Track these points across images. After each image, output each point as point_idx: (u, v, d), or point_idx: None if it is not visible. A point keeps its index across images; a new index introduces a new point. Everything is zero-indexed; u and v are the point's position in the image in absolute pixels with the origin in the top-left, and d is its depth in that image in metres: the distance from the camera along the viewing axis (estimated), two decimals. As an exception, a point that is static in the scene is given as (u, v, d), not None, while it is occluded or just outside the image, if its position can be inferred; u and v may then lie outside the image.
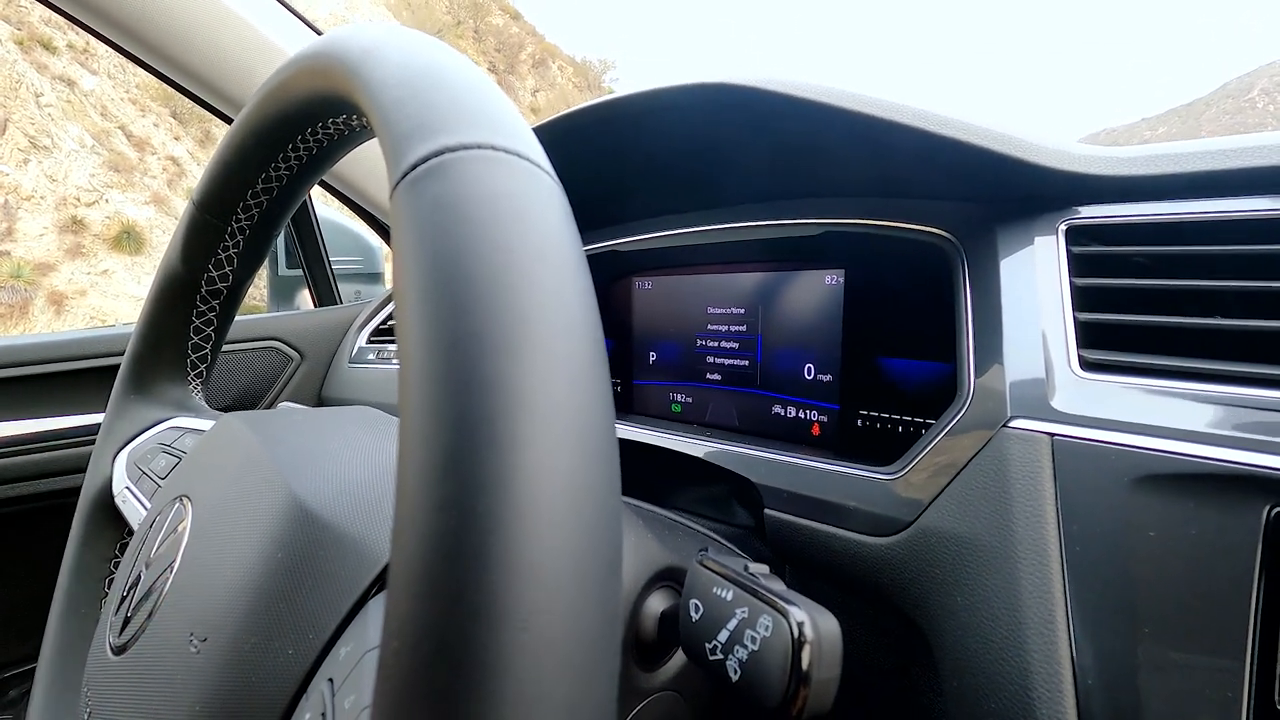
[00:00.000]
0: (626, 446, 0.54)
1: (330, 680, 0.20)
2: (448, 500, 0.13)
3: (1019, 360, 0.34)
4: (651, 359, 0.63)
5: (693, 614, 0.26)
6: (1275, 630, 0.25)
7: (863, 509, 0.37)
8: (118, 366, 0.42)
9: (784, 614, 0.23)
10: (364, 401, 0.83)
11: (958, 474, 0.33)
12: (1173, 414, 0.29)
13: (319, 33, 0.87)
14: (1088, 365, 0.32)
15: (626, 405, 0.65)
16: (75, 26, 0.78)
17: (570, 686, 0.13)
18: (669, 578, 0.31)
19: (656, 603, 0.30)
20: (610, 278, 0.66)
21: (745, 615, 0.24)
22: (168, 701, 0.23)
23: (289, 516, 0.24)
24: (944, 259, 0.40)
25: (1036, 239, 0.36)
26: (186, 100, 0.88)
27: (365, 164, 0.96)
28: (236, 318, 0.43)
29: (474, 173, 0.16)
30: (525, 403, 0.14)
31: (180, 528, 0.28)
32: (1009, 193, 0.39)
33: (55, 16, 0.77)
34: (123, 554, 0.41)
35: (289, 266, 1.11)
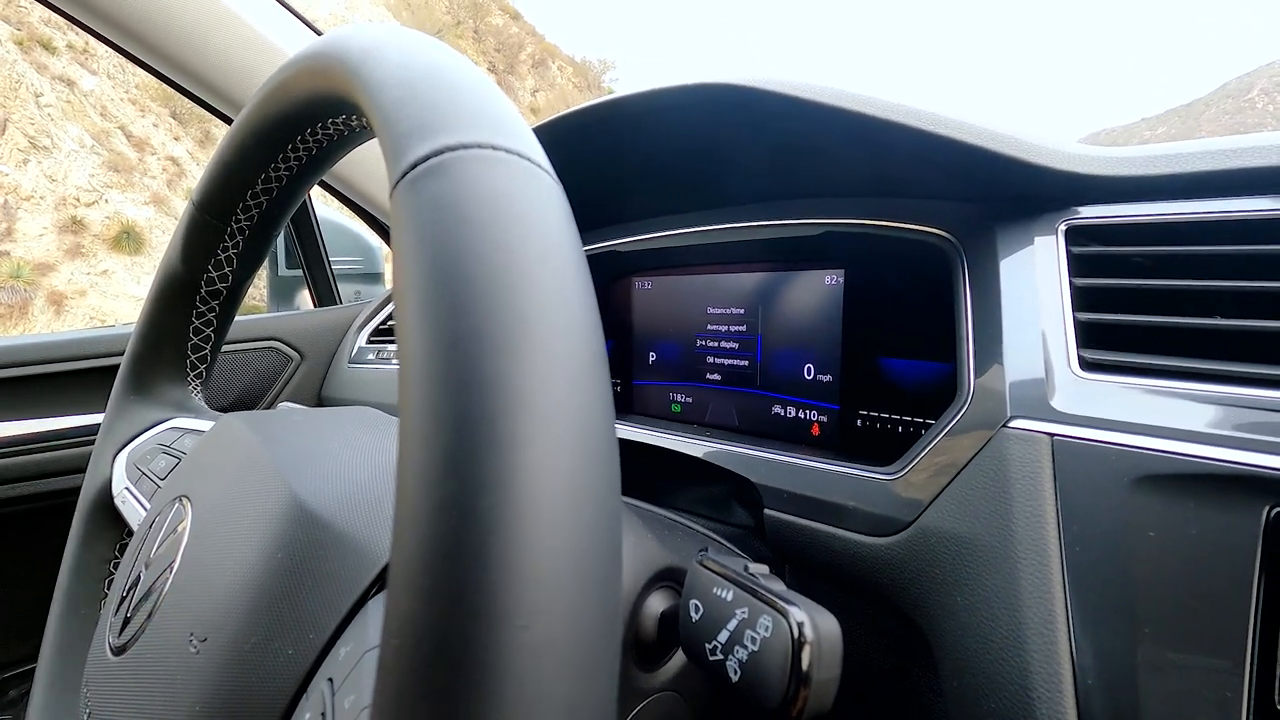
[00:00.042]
0: (626, 446, 0.54)
1: (330, 680, 0.20)
2: (448, 500, 0.13)
3: (1019, 360, 0.34)
4: (651, 359, 0.63)
5: (693, 614, 0.26)
6: (1275, 630, 0.25)
7: (862, 509, 0.37)
8: (118, 366, 0.42)
9: (784, 614, 0.23)
10: (364, 401, 0.83)
11: (957, 474, 0.33)
12: (1172, 414, 0.29)
13: (319, 33, 0.87)
14: (1087, 365, 0.32)
15: (626, 405, 0.65)
16: (75, 27, 0.78)
17: (570, 686, 0.13)
18: (669, 578, 0.31)
19: (656, 603, 0.30)
20: (610, 278, 0.66)
21: (745, 615, 0.24)
22: (167, 702, 0.22)
23: (289, 516, 0.24)
24: (943, 259, 0.40)
25: (1036, 239, 0.36)
26: (186, 100, 0.88)
27: (365, 164, 0.96)
28: (236, 318, 0.43)
29: (474, 172, 0.16)
30: (525, 402, 0.14)
31: (180, 528, 0.28)
32: (1008, 192, 0.39)
33: (55, 16, 0.77)
34: (122, 554, 0.41)
35: (289, 266, 1.11)
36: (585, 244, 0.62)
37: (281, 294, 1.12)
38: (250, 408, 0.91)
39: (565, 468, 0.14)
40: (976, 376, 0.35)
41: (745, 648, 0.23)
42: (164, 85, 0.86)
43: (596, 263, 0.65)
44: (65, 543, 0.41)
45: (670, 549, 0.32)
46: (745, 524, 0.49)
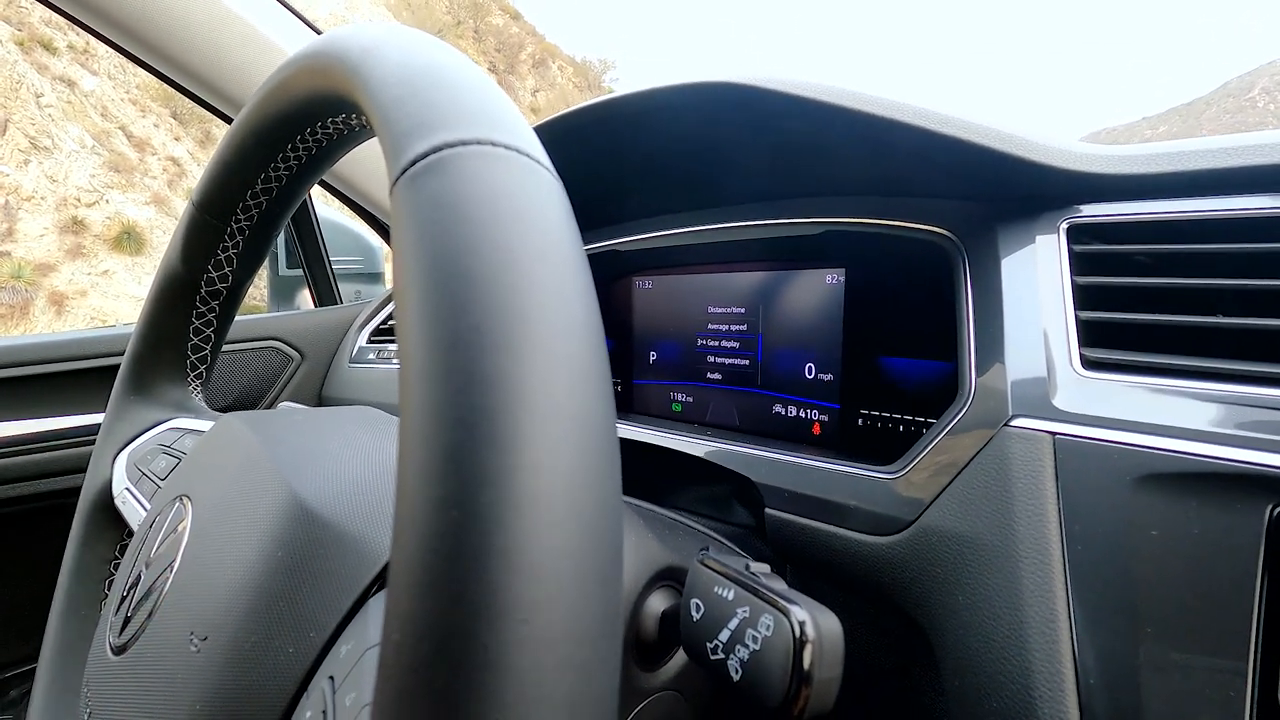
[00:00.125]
0: (627, 446, 0.54)
1: (331, 678, 0.20)
2: (449, 497, 0.13)
3: (1020, 359, 0.33)
4: (652, 358, 0.63)
5: (694, 613, 0.26)
6: (1278, 630, 0.25)
7: (864, 508, 0.37)
8: (118, 366, 0.42)
9: (785, 613, 0.23)
10: (364, 401, 0.83)
11: (959, 473, 0.33)
12: (1175, 413, 0.28)
13: (319, 33, 0.87)
14: (1089, 364, 0.32)
15: (627, 405, 0.65)
16: (75, 27, 0.78)
17: (572, 682, 0.13)
18: (670, 577, 0.31)
19: (657, 602, 0.30)
20: (610, 277, 0.66)
21: (746, 615, 0.24)
22: (168, 701, 0.22)
23: (289, 515, 0.24)
24: (945, 258, 0.40)
25: (1038, 237, 0.36)
26: (186, 100, 0.88)
27: (365, 164, 0.96)
28: (236, 318, 0.43)
29: (474, 168, 0.16)
30: (526, 399, 0.14)
31: (180, 527, 0.28)
32: (1010, 191, 0.39)
33: (55, 17, 0.77)
34: (122, 555, 0.41)
35: (289, 266, 1.11)
36: (586, 244, 0.62)
37: (282, 294, 1.12)
38: (250, 408, 0.91)
39: (566, 464, 0.14)
40: (978, 375, 0.35)
41: (746, 647, 0.23)
42: (164, 85, 0.86)
43: (597, 262, 0.64)
44: (65, 543, 0.41)
45: (671, 548, 0.32)
46: (746, 523, 0.49)
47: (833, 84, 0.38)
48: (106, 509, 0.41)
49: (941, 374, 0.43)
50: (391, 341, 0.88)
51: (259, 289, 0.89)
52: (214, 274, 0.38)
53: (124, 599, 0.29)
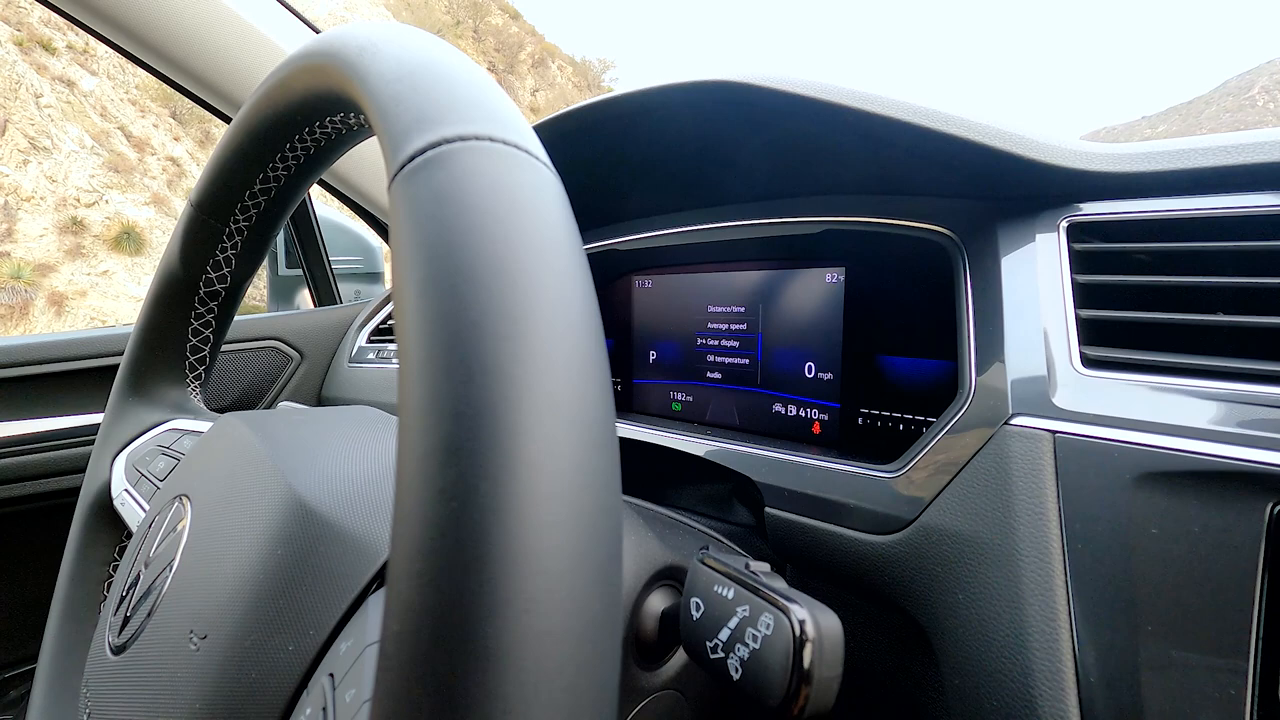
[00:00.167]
0: (627, 446, 0.54)
1: (331, 675, 0.20)
2: (449, 488, 0.13)
3: (1020, 357, 0.33)
4: (651, 358, 0.63)
5: (694, 612, 0.26)
6: (1278, 628, 0.25)
7: (864, 507, 0.37)
8: (117, 366, 0.42)
9: (785, 612, 0.22)
10: (364, 401, 0.83)
11: (959, 472, 0.33)
12: (1175, 411, 0.28)
13: (318, 32, 0.87)
14: (1089, 362, 0.32)
15: (627, 404, 0.65)
16: (75, 27, 0.78)
17: (572, 673, 0.13)
18: (670, 576, 0.31)
19: (657, 601, 0.30)
20: (610, 276, 0.66)
21: (746, 613, 0.24)
22: (168, 700, 0.22)
23: (288, 513, 0.24)
24: (945, 256, 0.40)
25: (1038, 236, 0.36)
26: (186, 100, 0.88)
27: (365, 163, 0.96)
28: (236, 318, 0.42)
29: (471, 163, 0.16)
30: (525, 390, 0.14)
31: (180, 526, 0.28)
32: (1010, 190, 0.38)
33: (55, 17, 0.77)
34: (121, 556, 0.40)
35: (289, 266, 1.11)
36: (585, 243, 0.62)
37: (281, 293, 1.12)
38: (250, 407, 0.91)
39: (565, 455, 0.14)
40: (978, 374, 0.35)
41: (746, 646, 0.23)
42: (164, 85, 0.86)
43: (596, 261, 0.64)
44: (65, 543, 0.41)
45: (671, 547, 0.32)
46: (746, 522, 0.49)
47: (832, 82, 0.38)
48: (105, 511, 0.41)
49: (941, 373, 0.43)
50: (391, 341, 0.88)
51: (258, 289, 0.89)
52: (213, 274, 0.38)
53: (123, 599, 0.29)
